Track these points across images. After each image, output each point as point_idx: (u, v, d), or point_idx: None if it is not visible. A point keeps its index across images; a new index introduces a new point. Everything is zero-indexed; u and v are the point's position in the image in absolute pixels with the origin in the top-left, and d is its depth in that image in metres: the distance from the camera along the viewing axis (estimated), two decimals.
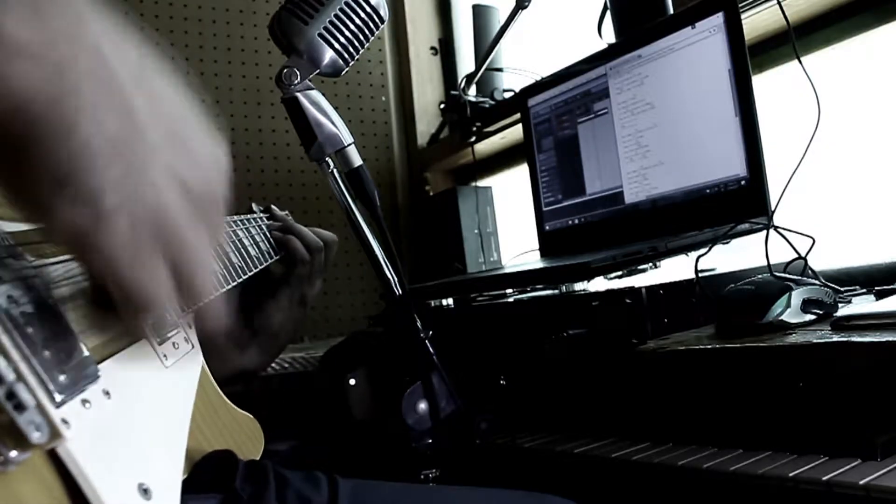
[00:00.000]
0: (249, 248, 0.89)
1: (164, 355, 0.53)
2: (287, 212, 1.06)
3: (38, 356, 0.33)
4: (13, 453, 0.31)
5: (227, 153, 0.44)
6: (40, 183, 0.33)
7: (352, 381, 1.23)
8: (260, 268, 0.90)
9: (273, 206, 1.05)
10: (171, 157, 0.39)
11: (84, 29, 0.35)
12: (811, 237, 0.96)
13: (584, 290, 1.03)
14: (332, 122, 0.83)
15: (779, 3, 1.08)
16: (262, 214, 1.01)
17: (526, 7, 1.47)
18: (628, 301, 0.90)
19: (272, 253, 0.96)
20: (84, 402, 0.36)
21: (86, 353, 0.38)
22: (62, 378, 0.34)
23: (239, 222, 0.91)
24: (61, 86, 0.33)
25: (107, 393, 0.39)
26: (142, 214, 0.36)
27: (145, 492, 0.38)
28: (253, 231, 0.93)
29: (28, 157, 0.33)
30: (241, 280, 0.82)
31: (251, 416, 0.69)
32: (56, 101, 0.33)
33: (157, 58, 0.41)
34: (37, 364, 0.33)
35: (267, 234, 0.97)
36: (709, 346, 0.80)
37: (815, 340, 0.72)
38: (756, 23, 1.19)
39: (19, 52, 0.31)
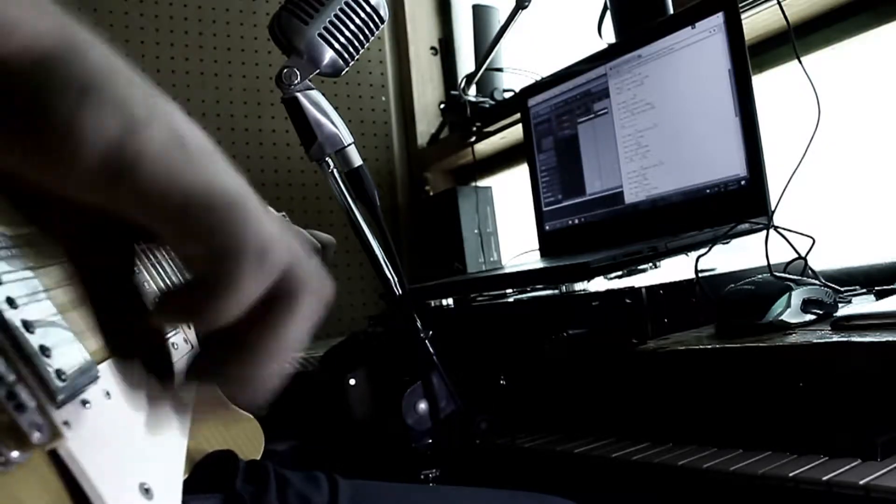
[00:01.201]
0: None
1: None
2: (283, 213, 1.06)
3: (39, 357, 0.33)
4: (14, 454, 0.31)
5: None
6: (59, 104, 0.29)
7: (352, 381, 1.23)
8: None
9: (269, 208, 1.05)
10: None
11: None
12: (811, 237, 0.96)
13: (584, 290, 1.03)
14: (332, 122, 0.83)
15: (779, 3, 1.08)
16: None
17: (526, 7, 1.47)
18: (628, 301, 0.90)
19: None
20: (84, 402, 0.36)
21: (86, 354, 0.38)
22: (62, 379, 0.34)
23: None
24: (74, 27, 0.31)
25: (107, 394, 0.39)
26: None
27: (147, 492, 0.38)
28: None
29: (41, 81, 0.29)
30: None
31: (251, 416, 0.69)
32: (67, 30, 0.30)
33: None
34: (37, 365, 0.33)
35: None
36: (709, 346, 0.80)
37: (815, 340, 0.73)
38: (756, 23, 1.19)
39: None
